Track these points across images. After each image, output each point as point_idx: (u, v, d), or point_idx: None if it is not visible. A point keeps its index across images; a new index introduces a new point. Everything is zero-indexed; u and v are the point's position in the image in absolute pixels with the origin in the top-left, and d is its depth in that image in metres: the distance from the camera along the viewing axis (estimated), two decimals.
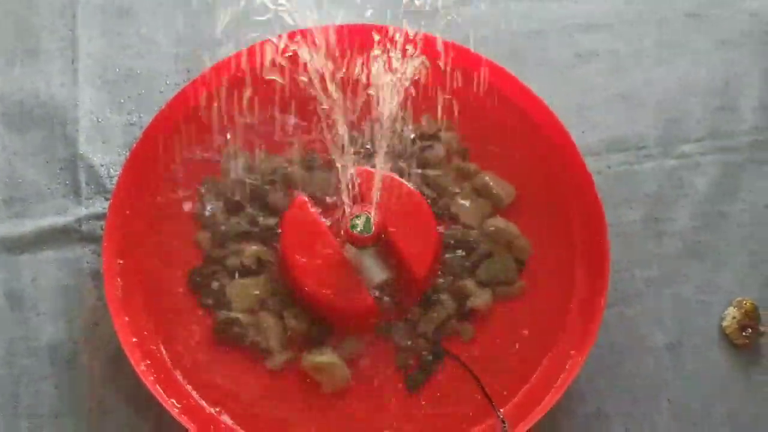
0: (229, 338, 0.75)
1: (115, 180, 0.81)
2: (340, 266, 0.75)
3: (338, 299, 0.74)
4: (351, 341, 0.75)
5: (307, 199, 0.77)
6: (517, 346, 0.76)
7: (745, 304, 0.80)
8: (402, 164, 0.79)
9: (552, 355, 0.75)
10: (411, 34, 0.73)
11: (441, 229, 0.78)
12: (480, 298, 0.77)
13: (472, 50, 0.81)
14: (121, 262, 0.76)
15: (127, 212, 0.77)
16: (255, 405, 0.74)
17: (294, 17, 0.70)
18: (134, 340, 0.74)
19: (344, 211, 0.74)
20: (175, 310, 0.76)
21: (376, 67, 0.72)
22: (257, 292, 0.76)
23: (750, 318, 0.80)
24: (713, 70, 0.89)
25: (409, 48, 0.72)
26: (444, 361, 0.75)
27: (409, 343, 0.76)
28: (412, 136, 0.80)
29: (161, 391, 0.73)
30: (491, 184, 0.80)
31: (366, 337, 0.76)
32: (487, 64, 0.81)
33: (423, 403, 0.74)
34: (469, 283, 0.77)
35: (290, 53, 0.78)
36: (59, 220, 0.81)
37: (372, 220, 0.74)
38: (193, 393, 0.74)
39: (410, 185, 0.77)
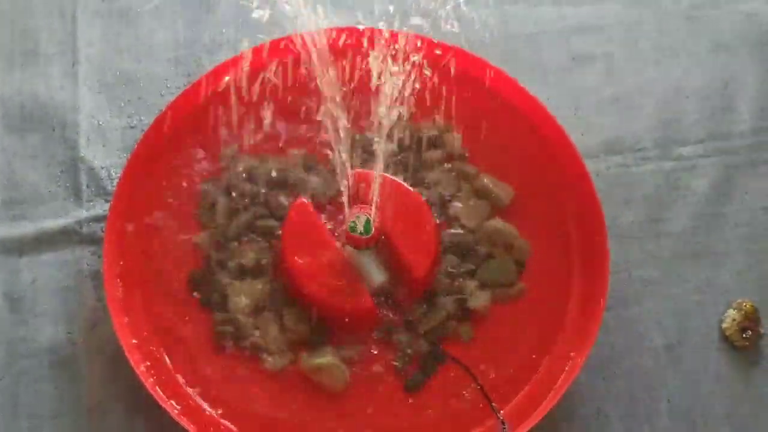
0: (229, 339, 0.75)
1: (115, 182, 0.81)
2: (340, 268, 0.75)
3: (338, 300, 0.74)
4: (351, 342, 0.75)
5: (307, 201, 0.77)
6: (516, 348, 0.76)
7: (745, 305, 0.80)
8: (401, 166, 0.79)
9: (552, 356, 0.75)
10: (410, 36, 0.73)
11: (440, 230, 0.78)
12: (479, 299, 0.77)
13: (472, 53, 0.82)
14: (122, 263, 0.76)
15: (128, 214, 0.77)
16: (255, 406, 0.74)
17: (294, 21, 0.71)
18: (134, 341, 0.74)
19: (344, 213, 0.75)
20: (175, 312, 0.76)
21: (377, 70, 0.72)
22: (257, 294, 0.76)
23: (750, 320, 0.80)
24: (710, 72, 0.89)
25: (409, 51, 0.73)
26: (444, 362, 0.75)
27: (409, 344, 0.76)
28: (412, 138, 0.81)
29: (161, 392, 0.73)
30: (490, 185, 0.80)
31: (365, 339, 0.76)
32: (486, 67, 0.81)
33: (423, 404, 0.74)
34: (469, 284, 0.77)
35: (290, 56, 0.78)
36: (59, 222, 0.81)
37: (372, 221, 0.74)
38: (193, 394, 0.74)
39: (409, 187, 0.78)
